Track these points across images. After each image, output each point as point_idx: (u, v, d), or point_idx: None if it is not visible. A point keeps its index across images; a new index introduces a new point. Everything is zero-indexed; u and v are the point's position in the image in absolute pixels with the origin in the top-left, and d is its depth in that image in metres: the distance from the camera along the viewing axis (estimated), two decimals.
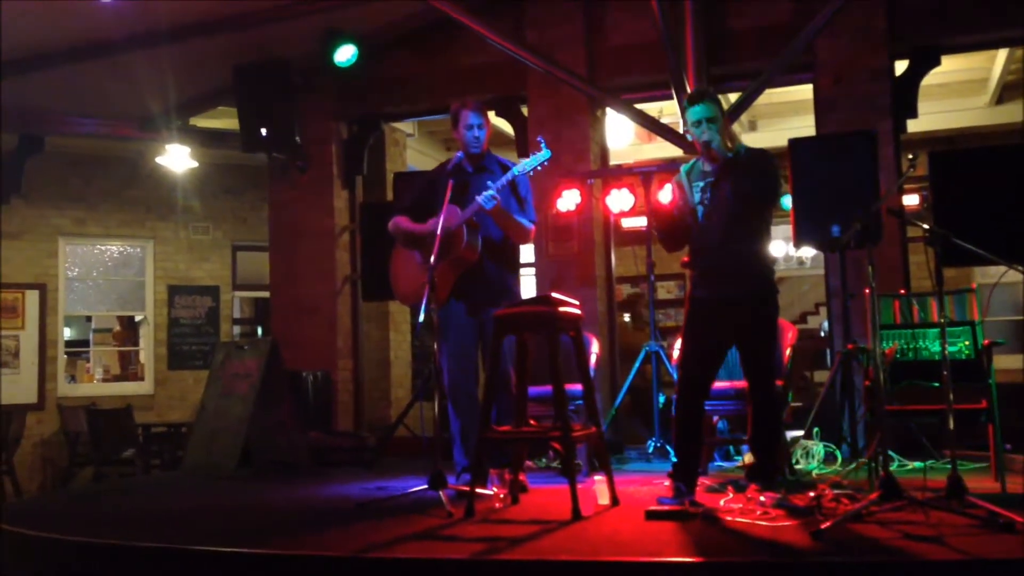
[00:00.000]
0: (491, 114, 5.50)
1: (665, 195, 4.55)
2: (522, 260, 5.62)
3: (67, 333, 11.57)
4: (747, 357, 4.51)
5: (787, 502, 4.11)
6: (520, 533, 3.80)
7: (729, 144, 4.55)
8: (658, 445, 6.56)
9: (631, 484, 5.16)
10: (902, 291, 6.08)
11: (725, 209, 4.43)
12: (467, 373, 5.26)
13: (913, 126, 7.25)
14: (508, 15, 7.99)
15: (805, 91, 7.90)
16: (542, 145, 5.10)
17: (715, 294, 4.48)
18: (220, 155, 10.57)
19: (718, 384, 4.61)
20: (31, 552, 4.30)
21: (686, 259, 4.65)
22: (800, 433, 5.80)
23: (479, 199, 5.01)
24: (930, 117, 8.82)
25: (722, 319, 4.46)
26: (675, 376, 5.00)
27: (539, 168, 5.14)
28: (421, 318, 4.66)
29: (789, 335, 5.63)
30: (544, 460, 6.35)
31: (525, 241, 5.34)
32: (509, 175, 5.11)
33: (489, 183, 5.09)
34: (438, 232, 4.78)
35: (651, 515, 4.02)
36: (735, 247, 4.44)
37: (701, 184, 4.54)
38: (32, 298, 10.72)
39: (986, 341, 5.16)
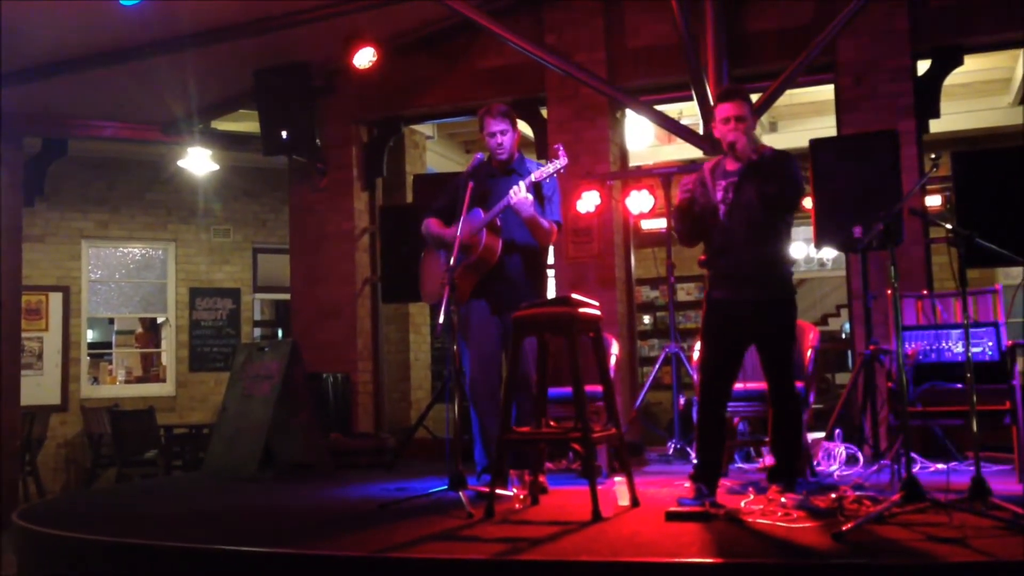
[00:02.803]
0: None
1: (684, 186, 4.52)
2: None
3: (90, 335, 11.67)
4: (767, 359, 4.48)
5: (808, 504, 4.09)
6: (540, 534, 3.80)
7: (754, 146, 4.51)
8: (678, 446, 6.55)
9: (651, 485, 5.15)
10: (924, 292, 6.05)
11: (748, 212, 4.40)
12: (490, 375, 5.26)
13: (936, 126, 7.20)
14: (527, 18, 7.99)
15: (826, 92, 7.87)
16: (559, 152, 5.10)
17: (734, 296, 4.45)
18: (241, 158, 10.65)
19: (738, 386, 4.59)
20: (54, 552, 4.34)
21: (703, 257, 4.63)
22: (821, 435, 5.78)
23: (510, 193, 5.02)
24: (953, 117, 8.76)
25: (741, 321, 4.43)
26: (695, 378, 4.99)
27: (555, 175, 5.14)
28: (440, 319, 4.69)
29: (810, 336, 5.60)
30: (564, 461, 6.34)
31: (546, 241, 5.32)
32: (524, 181, 5.11)
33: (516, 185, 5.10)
34: (457, 235, 4.84)
35: (671, 516, 4.00)
36: (756, 250, 4.41)
37: (724, 183, 4.50)
38: (55, 300, 10.82)
39: (1009, 342, 5.13)
